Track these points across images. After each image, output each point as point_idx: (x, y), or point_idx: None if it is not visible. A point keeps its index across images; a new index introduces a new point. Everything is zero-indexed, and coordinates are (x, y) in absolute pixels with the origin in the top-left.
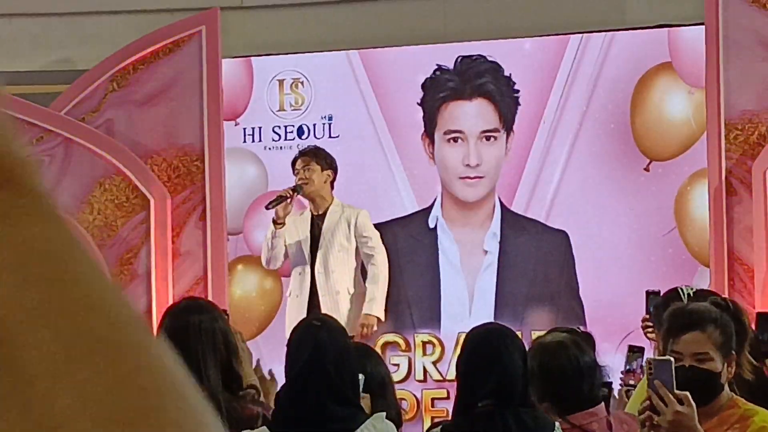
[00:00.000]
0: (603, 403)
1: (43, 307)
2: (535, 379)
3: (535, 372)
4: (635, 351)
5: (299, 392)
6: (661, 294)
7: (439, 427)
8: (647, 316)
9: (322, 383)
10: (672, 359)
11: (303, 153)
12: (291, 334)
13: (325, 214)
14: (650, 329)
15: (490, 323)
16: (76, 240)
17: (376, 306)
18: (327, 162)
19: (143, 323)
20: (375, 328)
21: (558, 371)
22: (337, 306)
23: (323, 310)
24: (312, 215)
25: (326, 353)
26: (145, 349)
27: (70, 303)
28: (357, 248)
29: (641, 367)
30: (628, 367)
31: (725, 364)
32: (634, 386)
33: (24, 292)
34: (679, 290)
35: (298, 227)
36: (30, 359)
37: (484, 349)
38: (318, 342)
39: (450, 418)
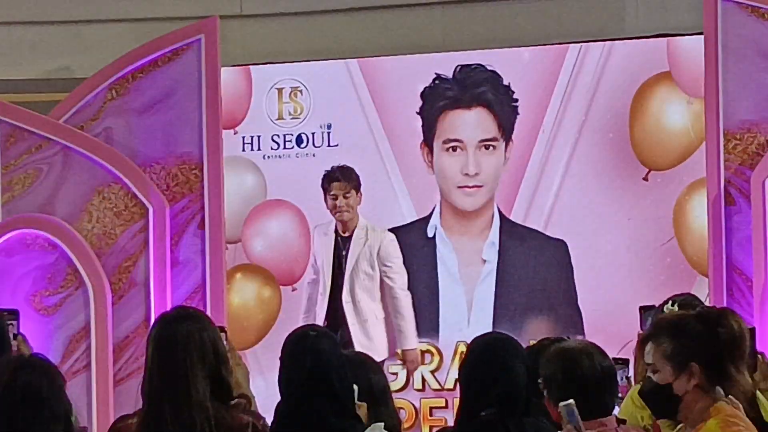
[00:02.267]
0: (614, 416)
1: None
2: (555, 383)
3: (556, 376)
4: (619, 363)
5: (301, 403)
6: (657, 307)
7: None
8: (642, 332)
9: (325, 394)
10: (572, 402)
11: (340, 177)
12: (286, 342)
13: (350, 236)
14: None
15: (494, 332)
16: None
17: (410, 339)
18: (358, 183)
19: None
20: (419, 358)
21: (580, 377)
22: (367, 333)
23: (354, 340)
24: (337, 235)
25: (330, 363)
26: None
27: None
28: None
29: (626, 378)
30: None
31: (680, 375)
32: (621, 398)
33: None
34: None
35: (326, 247)
36: None
37: (488, 358)
38: (320, 352)
39: (452, 425)
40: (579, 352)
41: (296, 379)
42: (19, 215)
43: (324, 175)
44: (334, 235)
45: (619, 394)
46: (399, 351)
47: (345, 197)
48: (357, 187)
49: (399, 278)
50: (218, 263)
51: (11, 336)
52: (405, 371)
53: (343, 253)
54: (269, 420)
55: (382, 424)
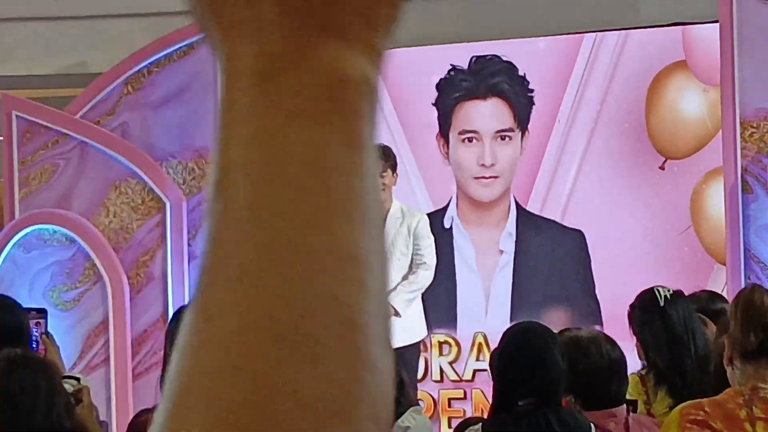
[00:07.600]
0: (624, 405)
1: None
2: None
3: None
4: None
5: None
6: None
7: (479, 424)
8: None
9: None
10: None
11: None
12: None
13: (385, 217)
14: None
15: (529, 321)
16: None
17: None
18: (395, 163)
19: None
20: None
21: (588, 367)
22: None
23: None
24: None
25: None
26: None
27: None
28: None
29: None
30: None
31: None
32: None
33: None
34: (655, 291)
35: None
36: None
37: (526, 346)
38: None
39: (486, 416)
40: (587, 341)
41: None
42: (37, 211)
43: None
44: None
45: None
46: None
47: (381, 176)
48: (393, 167)
49: (428, 258)
50: None
51: (38, 334)
52: (423, 362)
53: None
54: None
55: (421, 407)
